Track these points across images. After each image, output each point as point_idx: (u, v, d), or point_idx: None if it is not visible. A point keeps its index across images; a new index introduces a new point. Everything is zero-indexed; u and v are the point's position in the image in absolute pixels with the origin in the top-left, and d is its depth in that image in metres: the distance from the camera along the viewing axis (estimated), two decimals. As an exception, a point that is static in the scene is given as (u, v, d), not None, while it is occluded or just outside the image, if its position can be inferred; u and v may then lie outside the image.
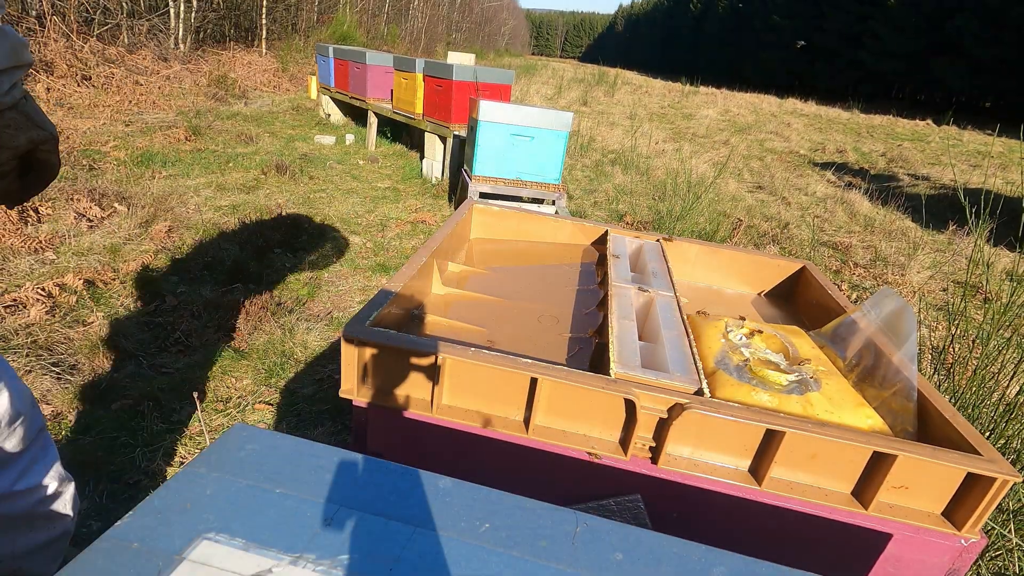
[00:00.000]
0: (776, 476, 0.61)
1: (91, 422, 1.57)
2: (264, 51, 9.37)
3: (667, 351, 0.69)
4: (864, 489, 0.61)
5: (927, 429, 0.66)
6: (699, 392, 0.63)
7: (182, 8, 7.41)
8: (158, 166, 3.87)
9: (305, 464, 0.48)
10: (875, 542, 0.61)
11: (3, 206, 0.49)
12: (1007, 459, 1.25)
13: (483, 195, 3.34)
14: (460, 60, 5.41)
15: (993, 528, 1.38)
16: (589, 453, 0.63)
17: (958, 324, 1.87)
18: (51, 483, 0.89)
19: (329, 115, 6.66)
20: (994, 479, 0.55)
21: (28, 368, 1.69)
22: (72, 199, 2.86)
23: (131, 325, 2.00)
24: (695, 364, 0.68)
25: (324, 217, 3.46)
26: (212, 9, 8.27)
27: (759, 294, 1.12)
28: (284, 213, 3.34)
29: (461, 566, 0.40)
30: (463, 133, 4.10)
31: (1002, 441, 1.53)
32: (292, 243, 2.97)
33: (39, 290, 2.05)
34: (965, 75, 21.00)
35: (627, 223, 4.21)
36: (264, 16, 9.48)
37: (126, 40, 6.70)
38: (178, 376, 1.81)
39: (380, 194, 4.20)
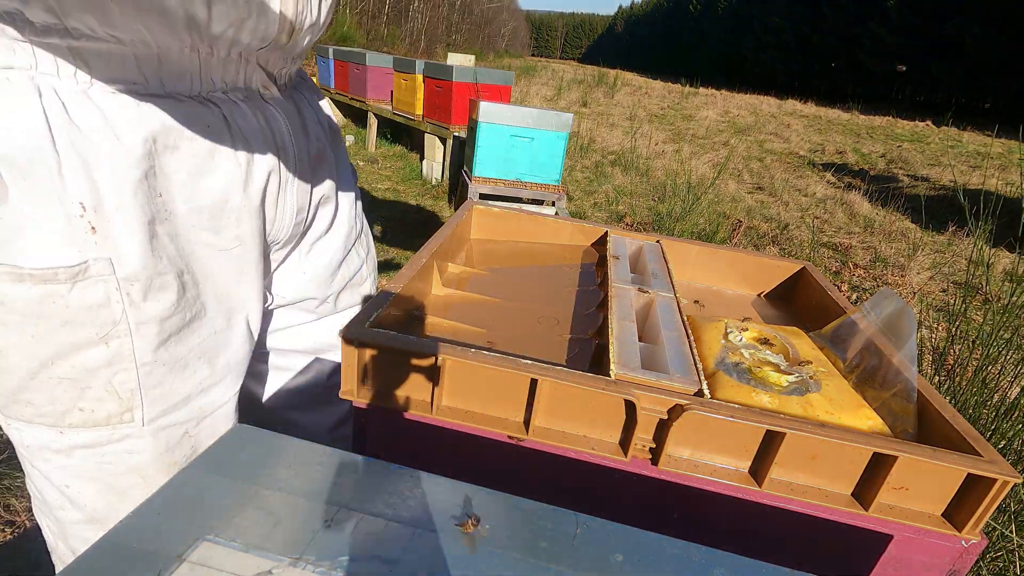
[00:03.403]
0: (776, 477, 0.61)
1: (91, 423, 1.56)
2: (264, 52, 9.35)
3: (667, 352, 0.69)
4: (864, 490, 0.61)
5: (927, 430, 0.66)
6: (699, 393, 0.63)
7: (182, 10, 7.40)
8: (158, 167, 3.86)
9: (305, 465, 0.48)
10: (875, 543, 0.61)
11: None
12: (1008, 460, 1.25)
13: (483, 196, 3.34)
14: (460, 61, 5.42)
15: (994, 529, 1.38)
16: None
17: (958, 325, 1.87)
18: None
19: (329, 116, 6.65)
20: (995, 480, 0.55)
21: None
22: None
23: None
24: (695, 365, 0.67)
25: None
26: (212, 10, 8.26)
27: (759, 295, 1.13)
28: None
29: (461, 567, 0.40)
30: (463, 134, 4.11)
31: (1003, 442, 1.53)
32: (292, 244, 2.96)
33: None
34: (964, 76, 21.02)
35: (627, 224, 4.21)
36: (264, 17, 9.46)
37: (126, 41, 6.69)
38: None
39: (380, 195, 4.20)
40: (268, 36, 0.62)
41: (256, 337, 0.75)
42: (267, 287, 0.79)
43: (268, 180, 0.68)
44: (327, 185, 0.80)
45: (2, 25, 0.48)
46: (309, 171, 0.75)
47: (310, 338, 0.89)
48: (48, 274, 0.53)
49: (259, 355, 0.86)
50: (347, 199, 0.87)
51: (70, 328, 0.56)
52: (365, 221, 0.97)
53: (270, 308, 0.83)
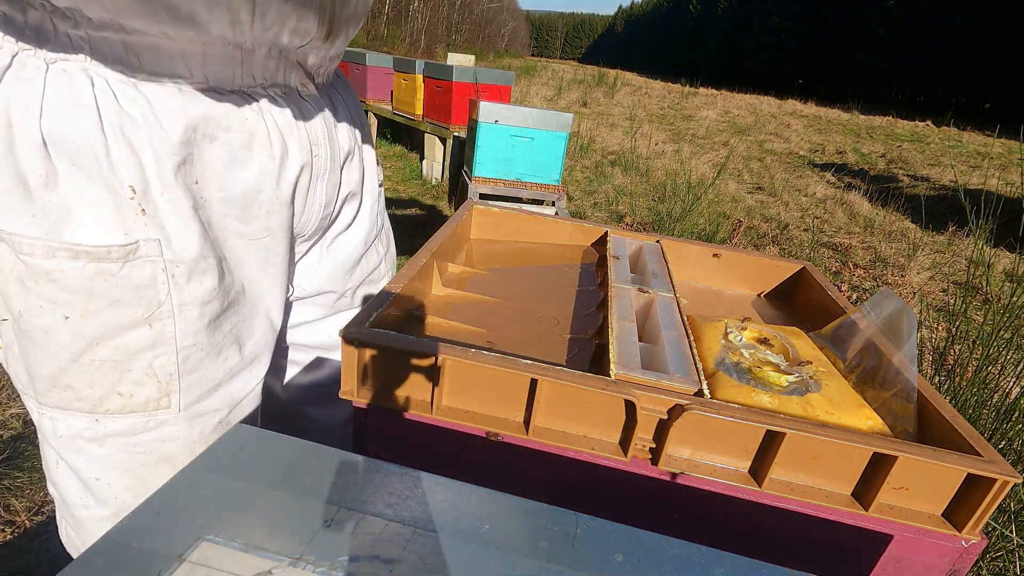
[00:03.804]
0: (776, 477, 0.61)
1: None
2: (264, 52, 9.35)
3: (667, 352, 0.69)
4: (864, 490, 0.61)
5: (927, 430, 0.66)
6: (699, 393, 0.63)
7: (182, 10, 7.40)
8: (158, 167, 3.86)
9: (305, 465, 0.48)
10: (876, 543, 0.61)
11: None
12: (1007, 460, 1.25)
13: (483, 196, 3.34)
14: (460, 61, 5.41)
15: (995, 529, 1.38)
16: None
17: (958, 325, 1.87)
18: None
19: (329, 116, 6.65)
20: (994, 480, 0.55)
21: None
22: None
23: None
24: (695, 365, 0.67)
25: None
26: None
27: (759, 295, 1.13)
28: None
29: (461, 567, 0.40)
30: (463, 134, 4.11)
31: (1003, 442, 1.53)
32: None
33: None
34: (964, 76, 21.02)
35: (627, 224, 4.21)
36: (264, 17, 9.46)
37: (126, 41, 6.69)
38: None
39: (380, 195, 4.20)
40: (307, 35, 0.64)
41: (277, 328, 0.76)
42: (289, 279, 0.80)
43: (300, 174, 0.70)
44: (354, 181, 0.82)
45: (62, 19, 0.51)
46: (339, 167, 0.77)
47: (329, 334, 0.91)
48: (103, 252, 0.55)
49: (277, 350, 0.88)
50: (371, 195, 0.89)
51: (117, 307, 0.58)
52: (387, 218, 0.99)
53: (290, 300, 0.84)
